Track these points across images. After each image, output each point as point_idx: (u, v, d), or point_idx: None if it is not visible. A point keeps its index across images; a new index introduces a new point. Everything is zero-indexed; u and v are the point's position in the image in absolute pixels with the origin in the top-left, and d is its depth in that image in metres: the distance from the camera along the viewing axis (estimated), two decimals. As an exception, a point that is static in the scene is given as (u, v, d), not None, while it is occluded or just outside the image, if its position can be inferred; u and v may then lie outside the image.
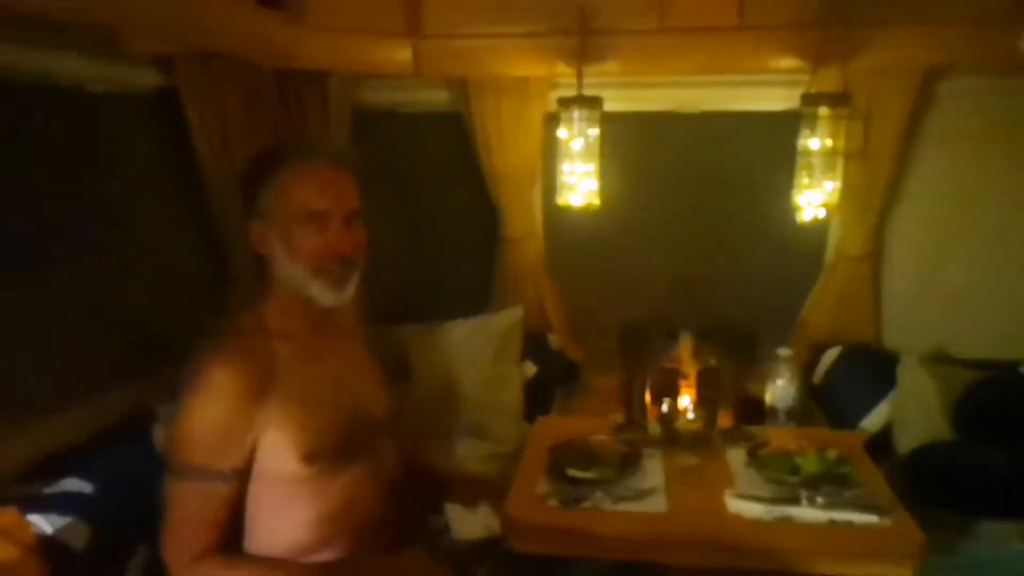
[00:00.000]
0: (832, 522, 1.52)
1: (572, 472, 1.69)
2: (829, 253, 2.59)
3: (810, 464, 1.67)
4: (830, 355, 2.51)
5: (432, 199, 2.74)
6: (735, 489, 1.65)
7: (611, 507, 1.59)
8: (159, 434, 1.86)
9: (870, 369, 2.40)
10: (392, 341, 2.53)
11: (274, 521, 1.41)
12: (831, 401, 2.43)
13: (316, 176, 1.40)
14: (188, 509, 1.33)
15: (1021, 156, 2.39)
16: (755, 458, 1.76)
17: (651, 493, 1.64)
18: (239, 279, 2.11)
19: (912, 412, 2.21)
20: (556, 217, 2.63)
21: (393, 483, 1.56)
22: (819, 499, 1.57)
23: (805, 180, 2.00)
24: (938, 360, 2.40)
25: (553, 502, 1.61)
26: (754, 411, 2.17)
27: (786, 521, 1.53)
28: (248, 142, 2.07)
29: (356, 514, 1.46)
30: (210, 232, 2.13)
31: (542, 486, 1.68)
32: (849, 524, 1.51)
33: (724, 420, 2.25)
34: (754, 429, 2.02)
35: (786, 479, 1.65)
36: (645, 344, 2.03)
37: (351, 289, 1.42)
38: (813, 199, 1.99)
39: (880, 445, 2.23)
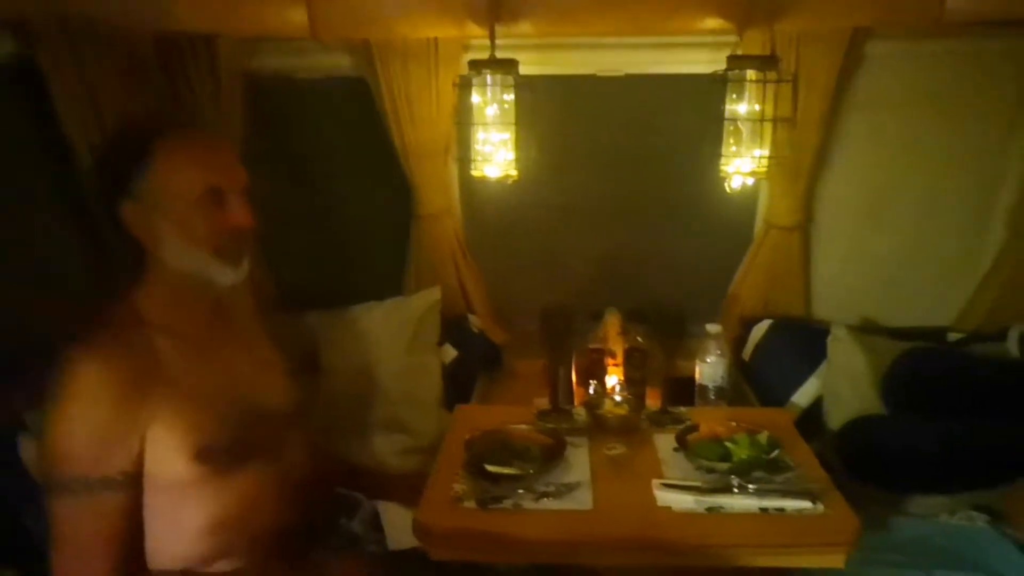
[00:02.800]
0: (764, 511, 1.47)
1: (491, 468, 1.60)
2: (758, 224, 2.55)
3: (741, 449, 1.62)
4: (759, 329, 2.49)
5: (338, 174, 2.59)
6: (664, 479, 1.60)
7: (533, 506, 1.51)
8: (28, 448, 1.70)
9: (800, 342, 2.39)
10: (298, 329, 2.39)
11: (165, 530, 1.31)
12: (761, 377, 2.41)
13: (204, 151, 1.33)
14: (79, 528, 1.22)
15: (947, 122, 2.39)
16: (684, 444, 1.71)
17: (576, 488, 1.57)
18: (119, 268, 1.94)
19: (842, 386, 2.20)
20: (474, 192, 2.52)
21: (299, 484, 1.48)
22: (750, 486, 1.52)
23: (733, 147, 1.94)
24: (867, 330, 2.41)
25: (470, 503, 1.52)
26: (683, 390, 2.13)
27: (717, 512, 1.48)
28: (127, 117, 1.90)
29: (257, 519, 1.38)
30: (83, 218, 1.94)
31: (458, 485, 1.59)
32: (781, 512, 1.47)
33: (653, 400, 2.21)
34: (683, 411, 1.97)
35: (716, 466, 1.60)
36: (569, 326, 1.95)
37: (247, 265, 1.37)
38: (742, 167, 1.93)
39: (811, 420, 2.22)
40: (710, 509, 1.48)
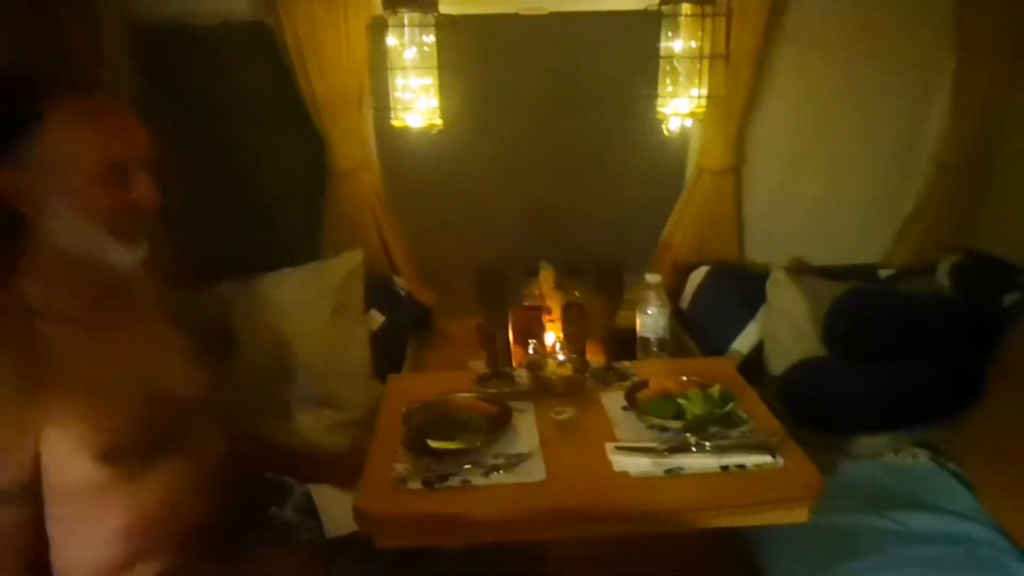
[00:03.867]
0: (724, 468, 1.41)
1: (434, 444, 1.49)
2: (690, 168, 2.49)
3: (694, 405, 1.56)
4: (696, 276, 2.45)
5: (243, 130, 2.39)
6: (617, 442, 1.52)
7: (483, 481, 1.41)
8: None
9: (738, 288, 2.36)
10: (208, 302, 2.20)
11: (74, 539, 1.19)
12: (701, 325, 2.37)
13: (105, 117, 1.18)
14: None
15: (874, 60, 2.37)
16: (634, 402, 1.63)
17: (527, 458, 1.47)
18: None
19: (783, 330, 2.18)
20: (393, 143, 2.36)
21: (220, 475, 1.38)
22: (707, 444, 1.46)
23: (669, 87, 1.84)
24: (803, 271, 2.39)
25: (415, 483, 1.41)
26: (625, 343, 2.06)
27: (677, 473, 1.41)
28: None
29: (177, 517, 1.28)
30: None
31: (400, 465, 1.47)
32: (742, 469, 1.41)
33: (595, 356, 2.14)
34: (627, 366, 1.90)
35: (670, 424, 1.53)
36: (504, 285, 1.84)
37: (146, 244, 1.23)
38: (679, 108, 1.84)
39: (752, 367, 2.20)
40: (669, 471, 1.42)
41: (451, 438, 1.50)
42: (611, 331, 1.87)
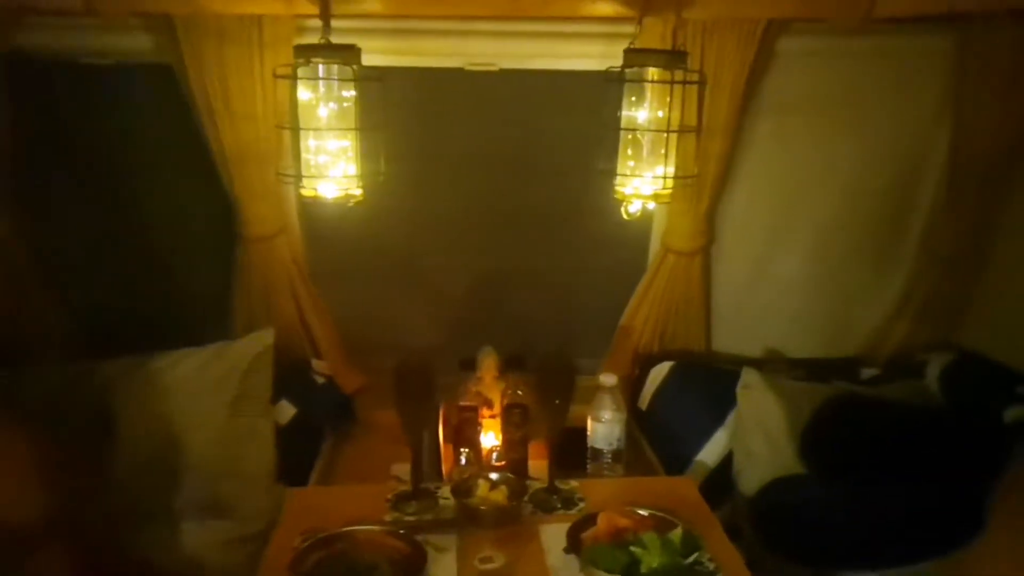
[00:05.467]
0: (685, 651, 1.14)
1: (323, 604, 1.20)
2: (654, 247, 2.25)
3: (651, 555, 1.29)
4: (658, 373, 2.19)
5: (144, 183, 2.09)
6: (555, 603, 1.25)
7: (378, 661, 1.12)
8: None
9: (704, 388, 2.10)
10: (87, 382, 1.88)
11: None
12: (662, 430, 2.11)
13: None
14: None
15: (860, 130, 2.18)
16: (577, 546, 1.36)
17: (437, 630, 1.19)
18: None
19: (755, 441, 1.92)
20: (318, 207, 2.08)
21: None
22: (664, 612, 1.19)
23: (631, 163, 1.60)
24: (776, 368, 2.15)
25: (291, 661, 1.12)
26: (574, 449, 1.79)
27: (625, 655, 1.14)
28: None
29: None
30: None
31: (278, 630, 1.18)
32: (707, 651, 1.14)
33: (537, 461, 1.88)
34: (574, 486, 1.64)
35: (621, 583, 1.26)
36: (431, 382, 1.57)
37: None
38: (641, 188, 1.59)
39: (720, 482, 1.94)
40: (616, 651, 1.14)
41: (348, 593, 1.21)
42: (558, 434, 1.61)
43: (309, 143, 1.52)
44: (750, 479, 1.88)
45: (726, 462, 1.95)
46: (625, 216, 1.65)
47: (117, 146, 2.02)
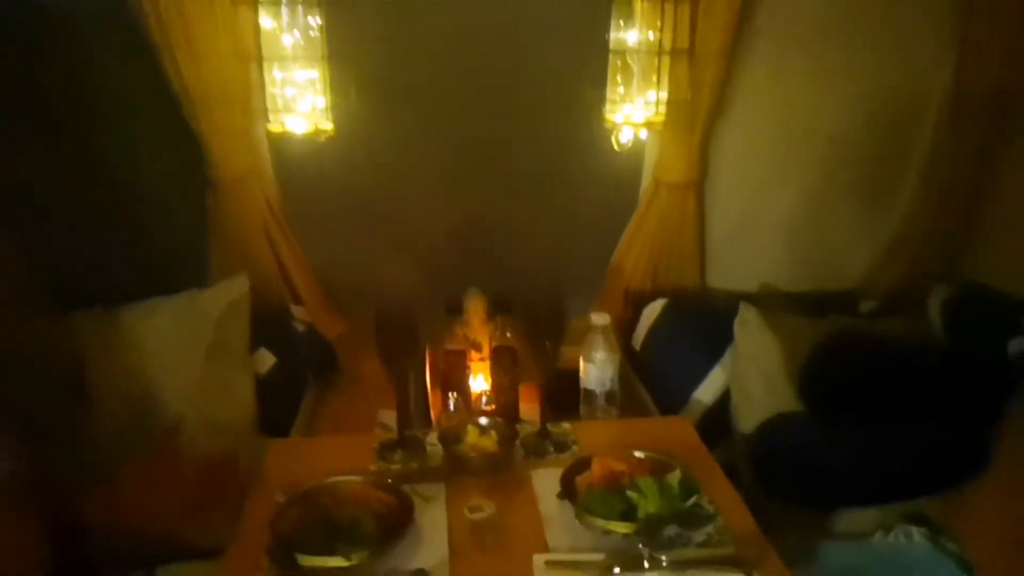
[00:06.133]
0: (685, 596, 1.10)
1: (306, 561, 1.14)
2: (646, 181, 2.17)
3: (648, 501, 1.24)
4: (652, 311, 2.13)
5: (108, 126, 1.97)
6: (549, 551, 1.20)
7: (366, 618, 1.08)
8: None
9: (699, 325, 2.05)
10: (57, 338, 1.80)
11: None
12: (657, 370, 2.06)
13: None
14: None
15: (861, 57, 2.08)
16: (571, 492, 1.31)
17: (427, 581, 1.14)
18: None
19: (752, 379, 1.87)
20: (291, 147, 1.98)
21: None
22: (663, 558, 1.14)
23: (621, 89, 1.51)
24: (773, 302, 2.09)
25: (273, 620, 1.07)
26: (567, 391, 1.74)
27: (623, 603, 1.09)
28: None
29: None
30: None
31: (259, 587, 1.13)
32: (708, 596, 1.10)
33: (529, 405, 1.83)
34: (567, 429, 1.59)
35: (617, 528, 1.21)
36: (414, 328, 1.50)
37: None
38: (632, 115, 1.51)
39: (717, 421, 1.89)
40: (614, 598, 1.10)
41: (330, 550, 1.15)
42: (549, 377, 1.55)
43: (274, 75, 1.42)
44: (747, 417, 1.83)
45: (723, 400, 1.90)
46: (616, 146, 1.58)
47: (79, 89, 1.90)
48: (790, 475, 1.73)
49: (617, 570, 1.13)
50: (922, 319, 2.06)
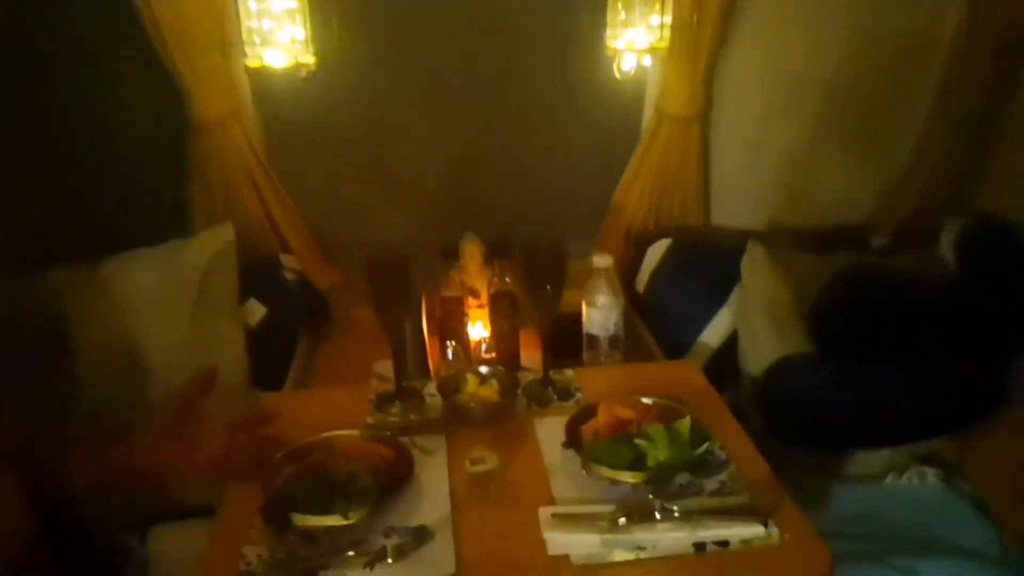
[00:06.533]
0: (700, 548, 1.05)
1: (301, 520, 1.09)
2: (648, 115, 2.08)
3: (657, 449, 1.18)
4: (656, 252, 2.06)
5: (79, 74, 1.88)
6: (555, 505, 1.15)
7: (366, 578, 1.03)
8: None
9: (705, 265, 1.99)
10: (34, 295, 1.73)
11: None
12: (661, 312, 2.00)
13: None
14: None
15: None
16: (577, 441, 1.26)
17: (429, 538, 1.09)
18: None
19: (760, 320, 1.81)
20: (273, 87, 1.89)
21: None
22: (675, 509, 1.10)
23: (622, 15, 1.42)
24: (779, 239, 2.02)
25: (268, 583, 1.02)
26: (569, 336, 1.69)
27: (635, 557, 1.04)
28: None
29: None
30: None
31: (252, 549, 1.08)
32: (723, 546, 1.05)
33: (530, 352, 1.77)
34: (570, 376, 1.54)
35: (625, 478, 1.16)
36: (407, 275, 1.43)
37: None
38: (635, 41, 1.41)
39: (724, 364, 1.84)
40: (624, 551, 1.05)
41: (326, 508, 1.10)
42: (551, 323, 1.49)
43: (250, 5, 1.33)
44: (755, 360, 1.78)
45: (730, 343, 1.85)
46: (618, 74, 1.48)
47: (47, 31, 1.80)
48: (800, 418, 1.69)
49: (624, 521, 1.09)
50: (934, 254, 2.00)
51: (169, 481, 1.17)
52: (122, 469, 1.16)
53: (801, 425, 1.68)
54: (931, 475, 1.63)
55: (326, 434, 1.29)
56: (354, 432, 1.30)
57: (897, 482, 1.63)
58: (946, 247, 1.99)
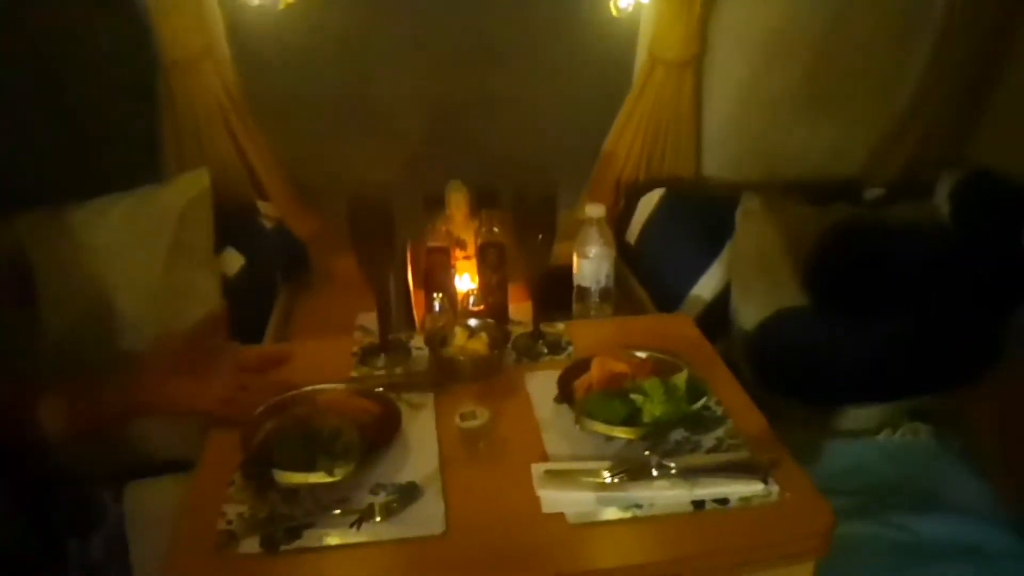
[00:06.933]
0: (698, 506, 1.02)
1: (284, 478, 1.04)
2: (640, 59, 2.00)
3: (653, 404, 1.15)
4: (648, 203, 2.01)
5: (38, 6, 1.76)
6: (548, 460, 1.12)
7: (351, 537, 0.99)
8: None
9: (698, 217, 1.94)
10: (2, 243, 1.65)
11: None
12: (653, 265, 1.95)
13: None
14: None
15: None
16: (569, 395, 1.22)
17: (418, 496, 1.05)
18: None
19: (753, 273, 1.78)
20: (249, 22, 1.79)
21: None
22: (672, 466, 1.06)
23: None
24: (778, 196, 1.97)
25: (250, 544, 0.97)
26: (557, 288, 1.64)
27: (631, 515, 1.01)
28: None
29: None
30: None
31: (233, 507, 1.03)
32: (723, 504, 1.02)
33: (519, 304, 1.73)
34: (560, 329, 1.49)
35: (620, 434, 1.13)
36: (391, 221, 1.36)
37: None
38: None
39: (716, 317, 1.81)
40: (621, 509, 1.02)
41: (309, 464, 1.05)
42: (542, 274, 1.44)
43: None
44: (748, 314, 1.75)
45: (723, 295, 1.82)
46: (614, 12, 1.42)
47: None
48: (793, 372, 1.67)
49: (614, 480, 1.05)
50: (929, 207, 1.97)
51: (178, 413, 1.15)
52: (122, 407, 1.12)
53: (794, 379, 1.66)
54: (924, 431, 1.62)
55: (309, 387, 1.24)
56: (339, 385, 1.26)
57: (890, 438, 1.62)
58: (941, 200, 1.97)
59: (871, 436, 1.62)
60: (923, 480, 1.51)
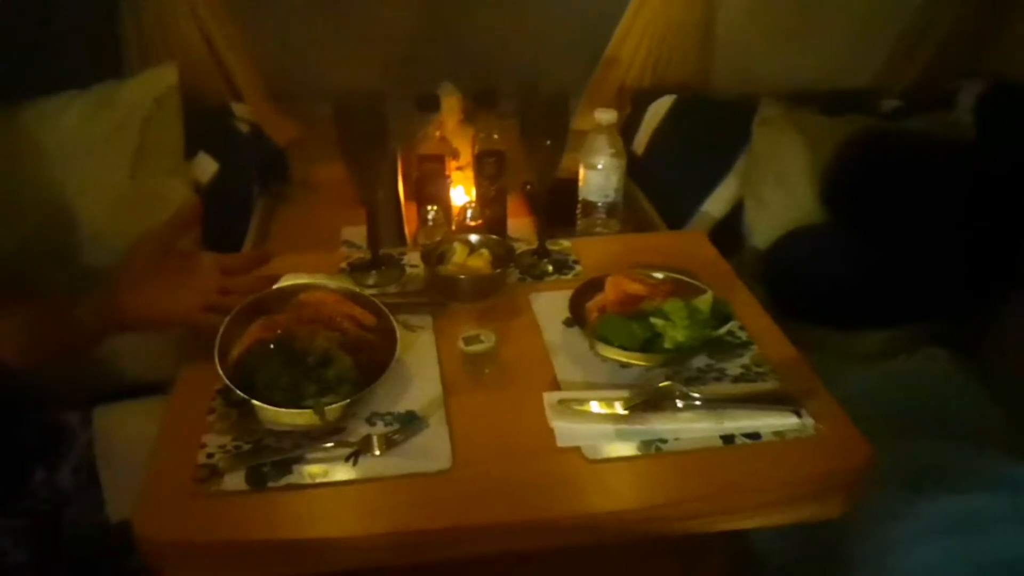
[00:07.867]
0: (728, 441, 0.94)
1: (265, 413, 0.94)
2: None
3: (676, 328, 1.05)
4: (656, 111, 1.87)
5: None
6: (560, 389, 1.02)
7: (347, 473, 0.89)
8: None
9: (710, 127, 1.82)
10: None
11: None
12: (661, 178, 1.82)
13: None
14: None
15: None
16: (582, 319, 1.12)
17: (419, 428, 0.96)
18: None
19: (769, 187, 1.67)
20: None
21: None
22: (696, 396, 0.97)
23: None
24: (797, 105, 1.85)
25: (235, 481, 0.88)
26: (559, 201, 1.52)
27: (653, 450, 0.93)
28: None
29: None
30: None
31: (213, 438, 0.93)
32: (753, 439, 0.94)
33: (517, 220, 1.62)
34: (567, 246, 1.38)
35: (639, 362, 1.03)
36: (383, 124, 1.23)
37: None
38: None
39: (727, 235, 1.70)
40: (644, 445, 0.93)
41: (296, 391, 0.95)
42: (549, 184, 1.31)
43: None
44: (762, 231, 1.65)
45: (735, 212, 1.71)
46: None
47: None
48: (808, 293, 1.58)
49: (642, 410, 0.96)
50: (952, 118, 1.85)
51: (157, 324, 1.02)
52: (94, 328, 1.00)
53: (809, 300, 1.57)
54: (942, 356, 1.54)
55: (289, 281, 1.08)
56: (328, 282, 1.11)
57: (908, 363, 1.54)
58: (963, 111, 1.85)
59: (888, 361, 1.55)
60: (941, 407, 1.44)
